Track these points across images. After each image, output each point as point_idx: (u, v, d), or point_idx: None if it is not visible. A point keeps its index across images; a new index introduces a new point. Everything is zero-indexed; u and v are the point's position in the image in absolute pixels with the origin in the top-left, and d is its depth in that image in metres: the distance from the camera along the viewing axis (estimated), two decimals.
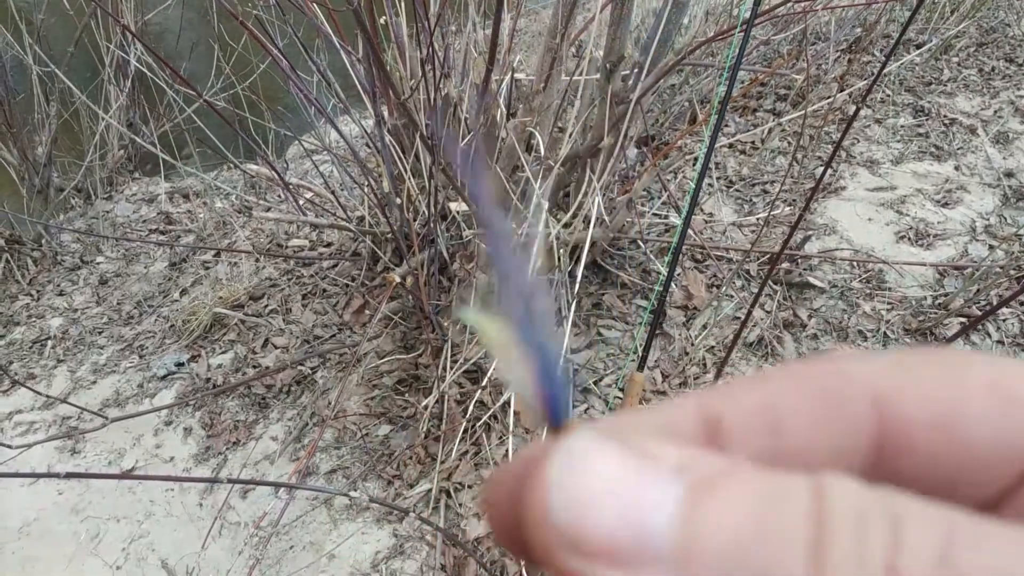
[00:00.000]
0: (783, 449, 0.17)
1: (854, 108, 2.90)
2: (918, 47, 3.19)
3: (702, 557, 0.14)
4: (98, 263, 2.88)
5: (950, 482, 0.17)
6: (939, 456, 0.17)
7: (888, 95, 3.07)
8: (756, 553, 0.14)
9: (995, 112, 2.93)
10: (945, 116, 2.92)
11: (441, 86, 1.63)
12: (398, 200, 1.79)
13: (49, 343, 2.47)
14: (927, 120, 2.92)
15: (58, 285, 2.78)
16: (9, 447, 1.15)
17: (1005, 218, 2.44)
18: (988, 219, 2.45)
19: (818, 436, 0.17)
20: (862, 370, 0.17)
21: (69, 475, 0.83)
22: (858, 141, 2.85)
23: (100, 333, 2.49)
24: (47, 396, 1.67)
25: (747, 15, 1.31)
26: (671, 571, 0.15)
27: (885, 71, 3.09)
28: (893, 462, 0.17)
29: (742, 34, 1.34)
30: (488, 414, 1.81)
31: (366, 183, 2.04)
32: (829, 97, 2.82)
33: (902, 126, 2.91)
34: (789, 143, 2.84)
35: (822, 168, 2.68)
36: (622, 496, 0.15)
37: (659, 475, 0.16)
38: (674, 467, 0.16)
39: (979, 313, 2.03)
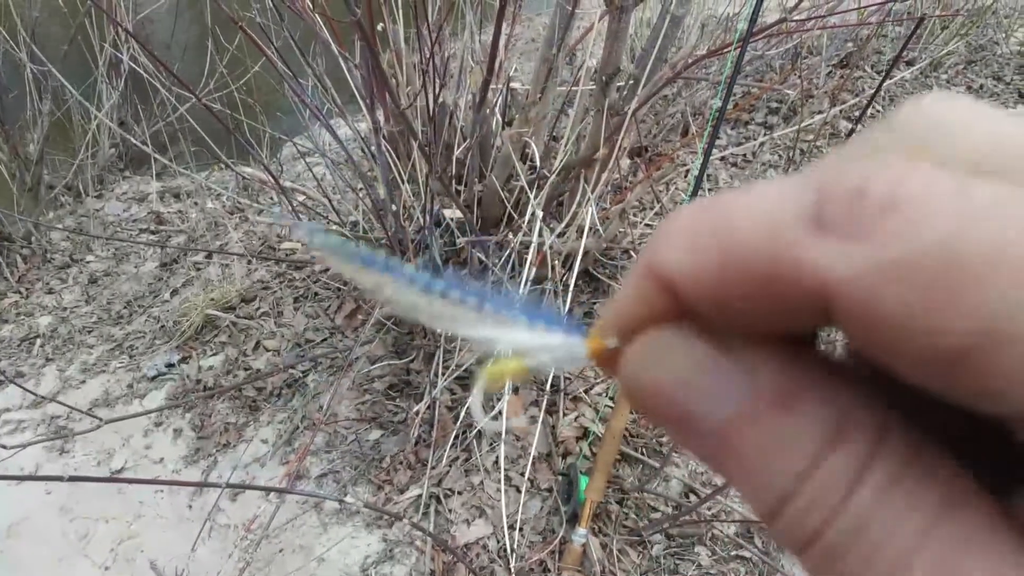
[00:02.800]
0: (735, 324, 0.18)
1: (845, 124, 2.93)
2: (908, 64, 3.23)
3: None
4: (88, 262, 2.87)
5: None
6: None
7: (878, 111, 3.10)
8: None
9: None
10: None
11: (439, 95, 1.64)
12: (393, 207, 1.80)
13: (38, 341, 2.46)
14: None
15: (47, 283, 2.77)
16: (4, 447, 1.15)
17: None
18: None
19: (779, 325, 0.17)
20: (815, 262, 0.15)
21: (73, 478, 0.83)
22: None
23: (89, 332, 2.49)
24: (37, 395, 1.67)
25: (744, 31, 1.33)
26: (707, 447, 0.19)
27: (874, 88, 3.12)
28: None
29: (738, 50, 1.36)
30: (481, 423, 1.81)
31: (361, 188, 2.04)
32: (821, 112, 2.85)
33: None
34: (780, 156, 2.86)
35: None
36: (686, 399, 0.19)
37: (719, 387, 0.18)
38: (739, 373, 0.18)
39: None
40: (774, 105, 3.12)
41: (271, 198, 3.04)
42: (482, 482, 1.80)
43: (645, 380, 0.20)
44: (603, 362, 0.21)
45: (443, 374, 1.85)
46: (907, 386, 0.15)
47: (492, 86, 1.78)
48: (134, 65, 2.84)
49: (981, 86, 3.25)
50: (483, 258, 1.92)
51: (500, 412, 1.64)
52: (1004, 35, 3.59)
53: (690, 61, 1.87)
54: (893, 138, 0.17)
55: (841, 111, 2.93)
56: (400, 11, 1.97)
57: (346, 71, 1.82)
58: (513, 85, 2.13)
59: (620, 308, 0.20)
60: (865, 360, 0.17)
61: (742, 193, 0.17)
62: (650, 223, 2.46)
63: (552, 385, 1.92)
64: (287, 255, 2.62)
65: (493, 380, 0.23)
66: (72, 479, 0.84)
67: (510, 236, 1.85)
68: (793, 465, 0.17)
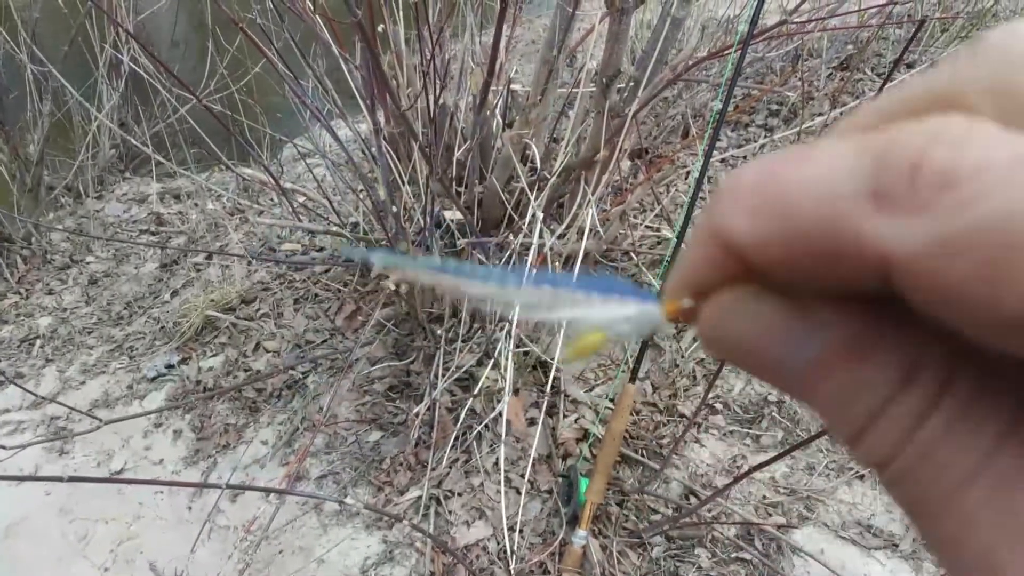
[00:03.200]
0: (799, 285, 0.19)
1: None
2: (909, 66, 3.23)
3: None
4: (88, 263, 2.87)
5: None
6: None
7: None
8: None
9: None
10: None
11: (439, 97, 1.64)
12: (394, 208, 1.80)
13: (38, 342, 2.46)
14: None
15: (47, 284, 2.77)
16: (4, 448, 1.15)
17: None
18: None
19: (832, 286, 0.18)
20: (874, 234, 0.16)
21: (72, 479, 0.83)
22: None
23: (89, 333, 2.49)
24: (37, 396, 1.66)
25: (745, 33, 1.33)
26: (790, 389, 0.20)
27: (875, 90, 3.12)
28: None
29: (739, 52, 1.36)
30: (482, 424, 1.82)
31: (361, 189, 2.04)
32: (822, 114, 2.85)
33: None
34: None
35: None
36: (766, 355, 0.20)
37: (795, 340, 0.19)
38: (815, 327, 0.19)
39: None
40: (774, 107, 3.12)
41: (271, 199, 3.05)
42: (482, 484, 1.80)
43: (725, 336, 0.21)
44: (680, 320, 0.22)
45: (443, 376, 1.85)
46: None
47: (492, 88, 1.78)
48: (134, 66, 2.84)
49: None
50: (483, 259, 1.92)
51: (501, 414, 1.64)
52: None
53: (691, 63, 1.87)
54: (976, 76, 0.17)
55: (842, 113, 2.93)
56: (401, 12, 1.98)
57: (347, 72, 1.82)
58: (513, 87, 2.13)
59: (690, 270, 0.22)
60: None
61: (799, 158, 0.18)
62: (650, 225, 2.46)
63: (552, 387, 1.92)
64: (287, 256, 2.62)
65: (575, 355, 0.24)
66: (72, 479, 0.84)
67: (510, 238, 1.85)
68: (868, 405, 0.18)
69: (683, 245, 1.44)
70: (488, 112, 1.89)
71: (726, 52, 1.61)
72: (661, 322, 0.23)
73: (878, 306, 0.19)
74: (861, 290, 0.18)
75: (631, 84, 1.78)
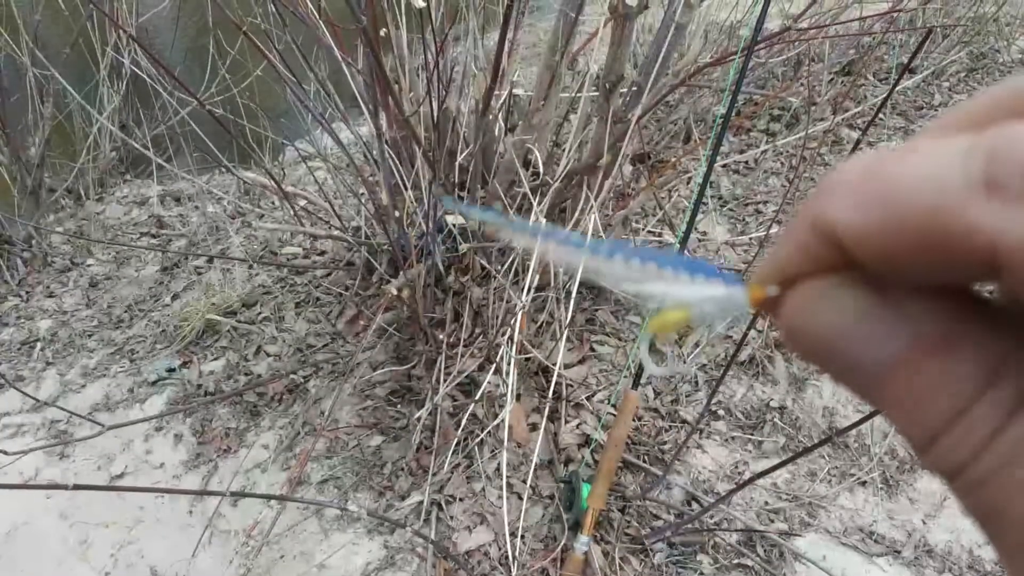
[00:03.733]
0: (898, 276, 0.19)
1: (850, 134, 2.93)
2: (911, 72, 3.23)
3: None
4: (88, 265, 2.87)
5: None
6: None
7: (880, 119, 3.11)
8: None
9: None
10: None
11: (443, 102, 1.64)
12: (396, 213, 1.79)
13: (38, 345, 2.46)
14: None
15: (48, 287, 2.77)
16: (6, 453, 1.14)
17: None
18: None
19: (941, 279, 0.18)
20: (985, 221, 0.16)
21: (77, 487, 0.83)
22: None
23: (90, 336, 2.48)
24: (37, 399, 1.66)
25: (748, 39, 1.33)
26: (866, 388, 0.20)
27: (877, 96, 3.13)
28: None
29: (743, 59, 1.36)
30: (485, 431, 1.82)
31: (363, 193, 2.04)
32: (824, 119, 2.85)
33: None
34: (782, 163, 2.87)
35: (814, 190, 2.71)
36: (850, 345, 0.20)
37: (881, 333, 0.20)
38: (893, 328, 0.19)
39: None
40: (776, 112, 3.12)
41: (273, 203, 3.04)
42: (484, 489, 1.80)
43: (809, 325, 0.21)
44: (763, 308, 0.23)
45: (445, 380, 1.84)
46: None
47: (496, 92, 1.78)
48: (136, 69, 2.84)
49: None
50: (485, 264, 1.92)
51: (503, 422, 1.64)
52: (1006, 43, 3.60)
53: (693, 69, 1.87)
54: None
55: (844, 119, 2.93)
56: (404, 17, 1.98)
57: (349, 76, 1.82)
58: (516, 91, 2.13)
59: (781, 258, 0.22)
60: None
61: (906, 154, 0.18)
62: (652, 229, 2.46)
63: (554, 392, 1.92)
64: (288, 260, 2.62)
65: (658, 330, 0.24)
66: (77, 487, 0.84)
67: (513, 243, 1.84)
68: (948, 406, 0.18)
69: (684, 252, 1.44)
70: (491, 117, 1.88)
71: (730, 59, 1.62)
72: (745, 307, 0.23)
73: (966, 301, 0.19)
74: (956, 281, 0.18)
75: (634, 89, 1.78)
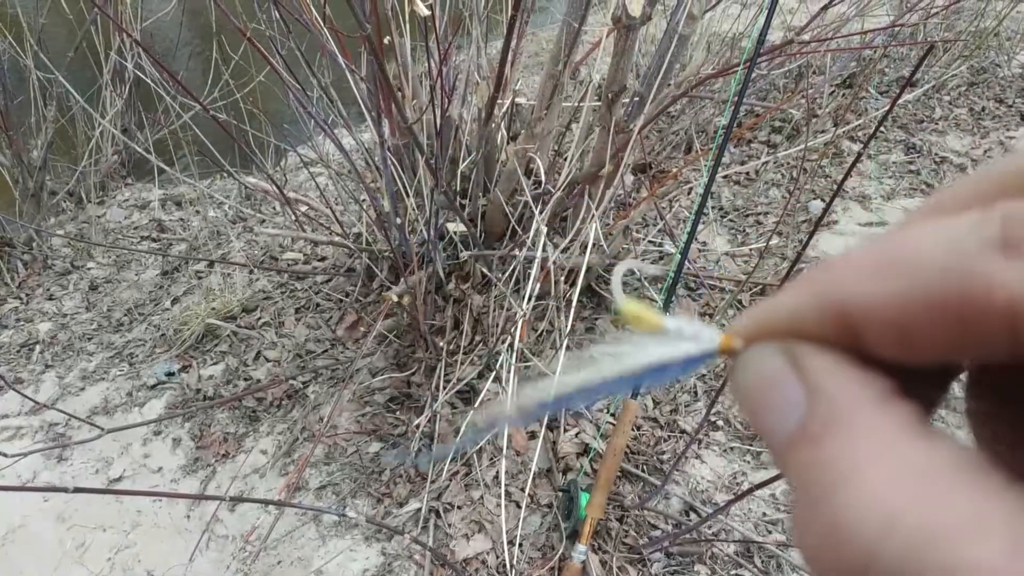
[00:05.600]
0: (912, 361, 0.19)
1: (851, 146, 2.94)
2: (912, 85, 3.24)
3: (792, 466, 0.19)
4: (89, 268, 2.87)
5: None
6: None
7: (881, 132, 3.12)
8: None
9: (985, 152, 2.98)
10: (936, 154, 2.97)
11: (446, 110, 1.65)
12: (398, 220, 1.80)
13: (37, 348, 2.46)
14: (918, 157, 2.96)
15: (48, 289, 2.77)
16: (5, 455, 1.14)
17: None
18: None
19: (951, 352, 0.18)
20: (1005, 279, 0.16)
21: (78, 490, 0.83)
22: (851, 176, 2.89)
23: (89, 339, 2.48)
24: (36, 402, 1.66)
25: (751, 52, 1.34)
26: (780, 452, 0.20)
27: (878, 108, 3.14)
28: None
29: (745, 71, 1.37)
30: (484, 439, 1.81)
31: (364, 199, 2.05)
32: (825, 131, 2.86)
33: (894, 162, 2.95)
34: (783, 175, 2.87)
35: (813, 201, 2.72)
36: (769, 396, 0.20)
37: (793, 394, 0.20)
38: (808, 388, 0.19)
39: None
40: (778, 124, 3.13)
41: (274, 208, 3.05)
42: (482, 497, 1.80)
43: (737, 383, 0.22)
44: (729, 357, 0.23)
45: (444, 388, 1.84)
46: None
47: (498, 101, 1.78)
48: (139, 73, 2.85)
49: (983, 108, 3.27)
50: (486, 272, 1.92)
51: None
52: (1006, 57, 3.61)
53: (695, 80, 1.88)
54: None
55: (845, 131, 2.94)
56: (407, 24, 1.98)
57: (352, 83, 1.83)
58: (518, 100, 2.14)
59: (763, 317, 0.22)
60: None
61: (918, 225, 0.18)
62: (653, 240, 2.47)
63: None
64: (289, 265, 2.62)
65: (628, 314, 0.24)
66: (77, 490, 0.84)
67: (514, 251, 1.85)
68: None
69: (684, 262, 1.44)
70: (493, 125, 1.89)
71: (732, 70, 1.62)
72: (715, 352, 0.23)
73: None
74: (972, 357, 0.18)
75: (636, 100, 1.78)
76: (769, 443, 0.20)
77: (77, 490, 0.83)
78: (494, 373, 1.82)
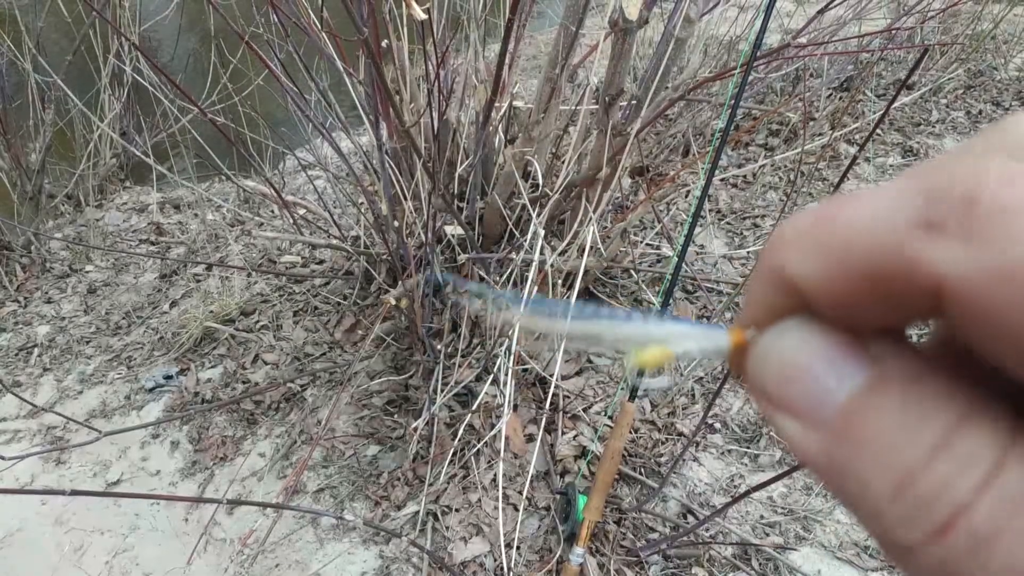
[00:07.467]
0: (861, 327, 0.20)
1: (848, 149, 2.94)
2: (908, 88, 3.25)
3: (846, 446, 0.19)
4: (87, 271, 2.87)
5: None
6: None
7: (878, 134, 3.12)
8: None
9: None
10: (933, 157, 2.97)
11: (443, 113, 1.65)
12: (396, 223, 1.80)
13: (35, 351, 2.46)
14: (915, 160, 2.97)
15: (46, 292, 2.77)
16: (3, 458, 1.14)
17: None
18: None
19: (890, 321, 0.19)
20: (929, 258, 0.17)
21: (76, 492, 0.83)
22: (847, 179, 2.89)
23: (88, 343, 2.48)
24: (34, 405, 1.66)
25: (748, 55, 1.34)
26: (824, 441, 0.19)
27: (875, 111, 3.14)
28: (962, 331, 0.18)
29: (742, 74, 1.37)
30: (482, 442, 1.82)
31: (362, 202, 2.05)
32: (822, 134, 2.87)
33: (891, 165, 2.96)
34: (780, 178, 2.88)
35: (811, 204, 2.72)
36: (809, 378, 0.20)
37: (847, 364, 0.20)
38: (860, 363, 0.19)
39: None
40: (775, 127, 3.14)
41: (272, 211, 3.05)
42: (480, 500, 1.80)
43: (772, 365, 0.21)
44: (741, 357, 0.23)
45: (442, 391, 1.85)
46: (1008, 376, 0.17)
47: (496, 104, 1.79)
48: (137, 76, 2.85)
49: (980, 111, 3.27)
50: (484, 275, 1.92)
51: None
52: (1003, 61, 3.62)
53: (693, 84, 1.88)
54: (1003, 138, 0.18)
55: (842, 134, 2.95)
56: (405, 28, 1.99)
57: (350, 86, 1.83)
58: (516, 103, 2.14)
59: (750, 305, 0.22)
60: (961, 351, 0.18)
61: (852, 200, 0.19)
62: (651, 243, 2.47)
63: (551, 403, 1.92)
64: (287, 268, 2.63)
65: (641, 365, 0.24)
66: (75, 493, 0.84)
67: (511, 254, 1.85)
68: (924, 438, 0.17)
69: (681, 265, 1.44)
70: (491, 128, 1.89)
71: (729, 74, 1.63)
72: (725, 350, 0.23)
73: (932, 353, 0.20)
74: (902, 321, 0.19)
75: (633, 103, 1.79)
76: (811, 420, 0.20)
77: (75, 493, 0.83)
78: (492, 376, 1.82)
